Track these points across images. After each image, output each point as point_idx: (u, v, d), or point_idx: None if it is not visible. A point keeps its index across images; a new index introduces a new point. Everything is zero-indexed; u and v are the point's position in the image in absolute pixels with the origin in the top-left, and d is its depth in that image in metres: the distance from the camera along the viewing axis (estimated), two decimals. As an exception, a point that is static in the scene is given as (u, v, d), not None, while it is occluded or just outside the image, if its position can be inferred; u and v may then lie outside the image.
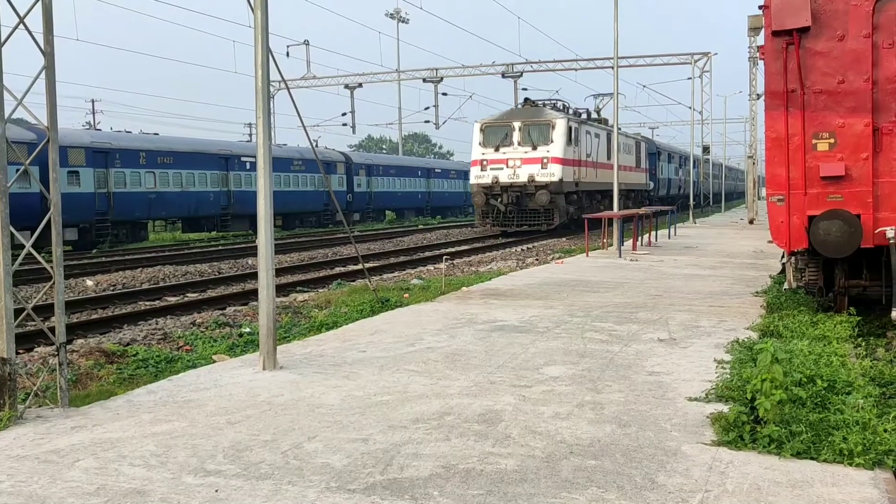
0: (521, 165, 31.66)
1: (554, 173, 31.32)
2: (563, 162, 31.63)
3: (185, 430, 5.72)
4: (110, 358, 9.40)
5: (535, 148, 31.57)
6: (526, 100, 35.55)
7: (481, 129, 32.59)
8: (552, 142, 31.44)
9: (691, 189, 45.87)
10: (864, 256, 9.97)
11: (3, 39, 6.12)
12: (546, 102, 35.14)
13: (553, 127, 31.79)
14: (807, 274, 10.58)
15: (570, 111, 35.37)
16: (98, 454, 5.19)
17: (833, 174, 9.65)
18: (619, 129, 31.38)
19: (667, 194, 55.42)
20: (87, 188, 31.25)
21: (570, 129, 32.44)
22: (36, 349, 10.38)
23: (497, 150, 32.04)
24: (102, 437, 5.58)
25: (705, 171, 56.34)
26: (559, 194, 31.62)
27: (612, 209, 28.88)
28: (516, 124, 32.05)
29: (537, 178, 31.30)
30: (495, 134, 32.36)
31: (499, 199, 32.00)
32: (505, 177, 31.68)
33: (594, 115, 40.52)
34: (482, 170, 32.28)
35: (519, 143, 31.83)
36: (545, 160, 31.38)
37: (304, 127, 11.42)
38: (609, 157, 35.88)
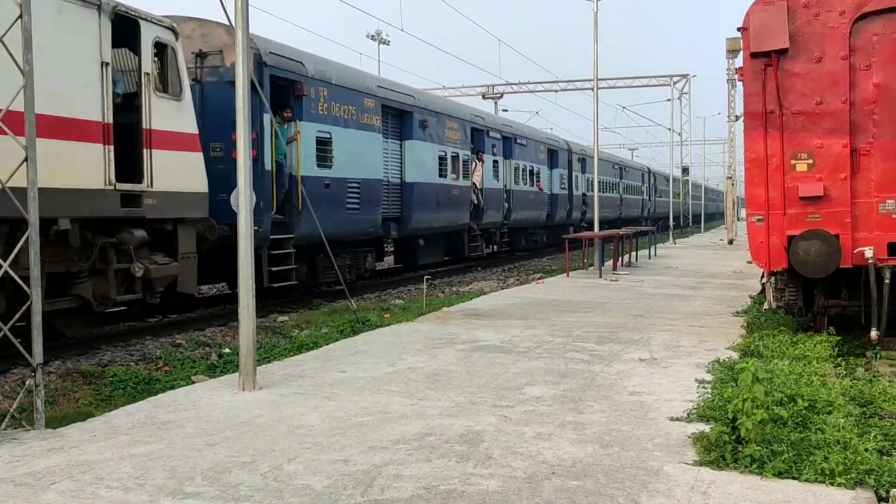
0: None
1: None
2: None
3: (163, 451, 5.65)
4: (88, 379, 9.31)
5: None
6: None
7: None
8: None
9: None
10: (843, 276, 10.02)
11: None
12: None
13: None
14: (786, 294, 10.63)
15: None
16: (75, 476, 5.12)
17: (812, 194, 9.73)
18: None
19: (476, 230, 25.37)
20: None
21: None
22: (12, 370, 10.25)
23: None
24: (79, 459, 5.50)
25: (684, 192, 56.36)
26: None
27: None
28: None
29: None
30: None
31: None
32: None
33: None
34: None
35: None
36: None
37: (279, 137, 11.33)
38: None
